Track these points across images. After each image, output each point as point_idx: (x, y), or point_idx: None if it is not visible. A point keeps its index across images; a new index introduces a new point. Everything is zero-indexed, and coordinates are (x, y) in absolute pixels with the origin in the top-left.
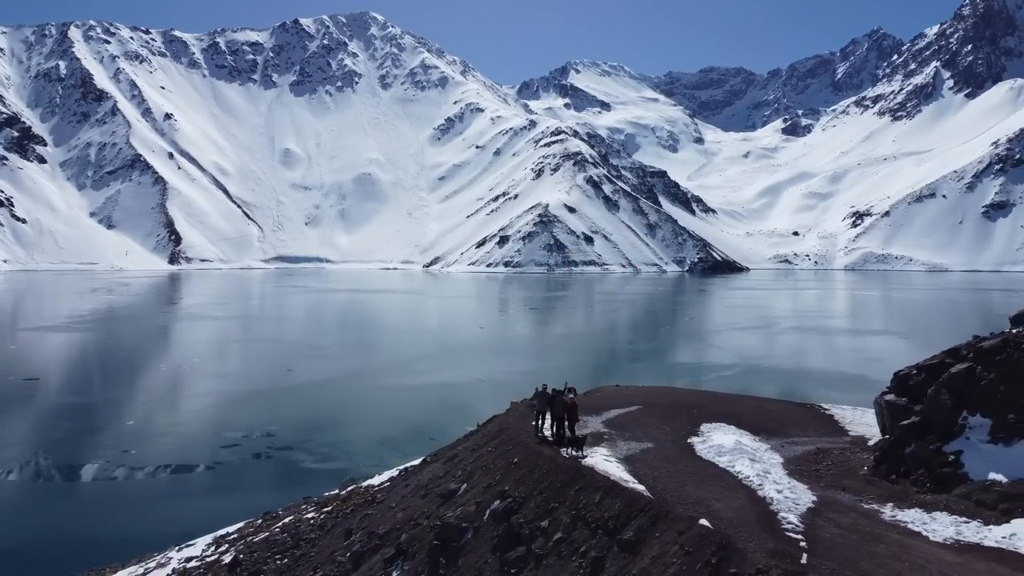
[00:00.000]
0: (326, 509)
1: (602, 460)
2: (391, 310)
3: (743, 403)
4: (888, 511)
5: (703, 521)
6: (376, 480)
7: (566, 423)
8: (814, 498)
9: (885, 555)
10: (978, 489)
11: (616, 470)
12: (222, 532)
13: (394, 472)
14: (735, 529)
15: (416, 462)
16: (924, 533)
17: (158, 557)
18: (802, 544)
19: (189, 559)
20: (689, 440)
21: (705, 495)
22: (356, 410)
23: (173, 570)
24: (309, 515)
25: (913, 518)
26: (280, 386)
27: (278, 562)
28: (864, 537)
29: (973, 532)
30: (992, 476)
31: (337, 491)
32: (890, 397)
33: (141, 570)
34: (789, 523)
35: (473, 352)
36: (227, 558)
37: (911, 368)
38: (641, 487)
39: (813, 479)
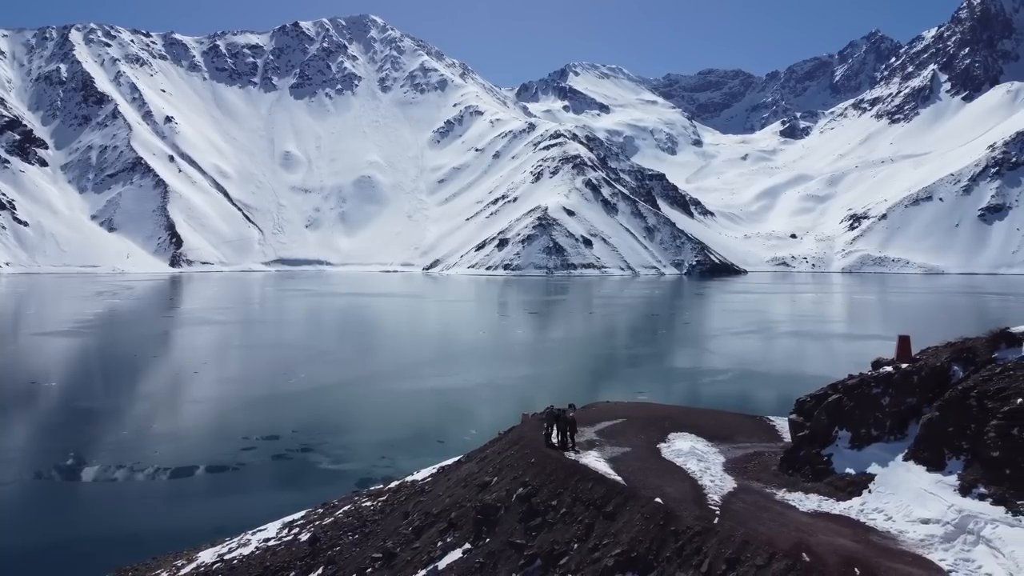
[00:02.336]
0: (381, 498)
1: (593, 460)
2: (394, 314)
3: (706, 416)
4: (780, 494)
5: (657, 499)
6: (419, 476)
7: (568, 434)
8: (735, 485)
9: (766, 518)
10: (837, 479)
11: (603, 467)
12: (288, 519)
13: (433, 469)
14: (677, 504)
15: (449, 462)
16: (797, 507)
17: (237, 539)
18: (717, 512)
19: (266, 540)
20: (658, 445)
21: (662, 483)
22: (366, 414)
23: (256, 548)
24: (366, 503)
25: (794, 498)
26: (290, 391)
27: (351, 537)
28: (758, 508)
29: (828, 506)
30: (847, 470)
31: (381, 486)
32: (793, 416)
33: (225, 550)
34: (713, 500)
35: (475, 357)
36: (304, 536)
37: (807, 396)
38: (619, 478)
39: (740, 473)
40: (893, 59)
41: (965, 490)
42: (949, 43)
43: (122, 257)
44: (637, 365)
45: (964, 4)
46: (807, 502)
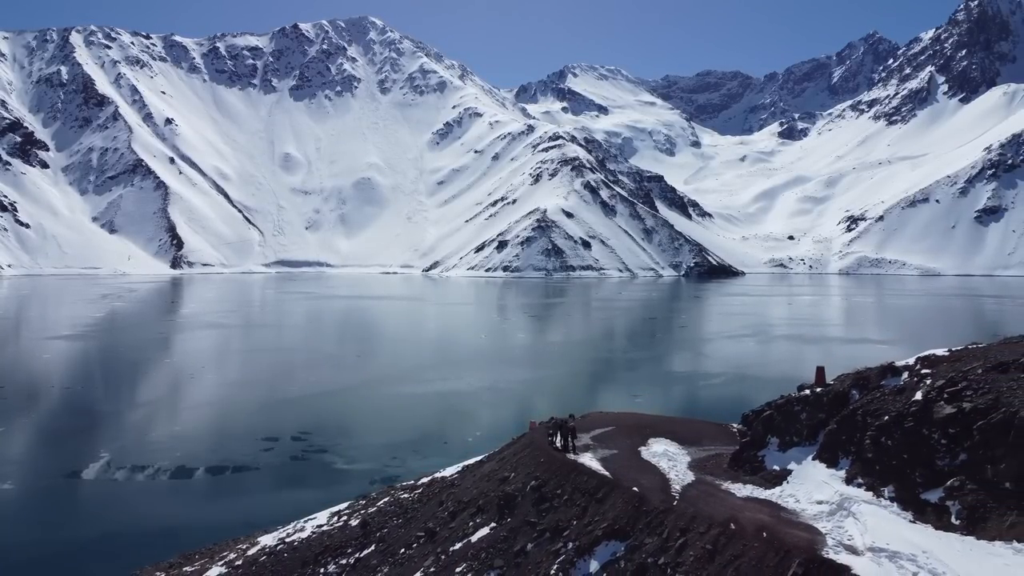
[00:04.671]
0: (416, 491)
1: (588, 460)
2: (397, 318)
3: (681, 424)
4: (726, 484)
5: (634, 488)
6: (447, 472)
7: (569, 439)
8: (693, 478)
9: (712, 501)
10: (767, 473)
11: (596, 465)
12: (335, 509)
13: (459, 467)
14: (649, 492)
15: (472, 461)
16: (736, 493)
17: (292, 525)
18: (677, 497)
19: (319, 526)
20: (639, 448)
21: (639, 477)
22: (374, 417)
23: (312, 532)
24: (403, 495)
25: (735, 487)
26: (300, 394)
27: (395, 521)
28: (707, 495)
29: (757, 493)
30: (774, 467)
31: (413, 481)
32: (739, 427)
33: (284, 534)
34: (675, 489)
35: (478, 361)
36: (354, 522)
37: (750, 411)
38: (608, 473)
39: (699, 470)
40: (891, 61)
41: (848, 481)
42: (946, 45)
43: (123, 259)
44: (634, 369)
45: (961, 6)
46: (743, 490)
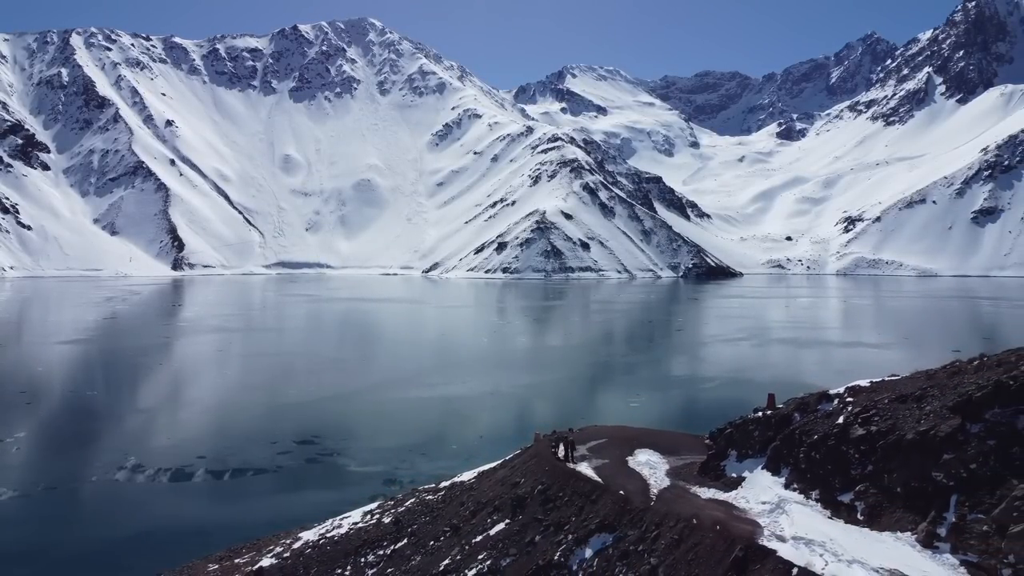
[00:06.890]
0: (439, 493)
1: (584, 468)
2: (399, 321)
3: (663, 436)
4: (694, 488)
5: (621, 491)
6: (465, 477)
7: (569, 450)
8: (669, 483)
9: (681, 502)
10: (727, 479)
11: (591, 472)
12: (366, 508)
13: (474, 473)
14: (632, 494)
15: (486, 468)
16: (700, 495)
17: (329, 522)
18: (654, 499)
19: (355, 523)
20: (627, 458)
21: (625, 482)
22: (382, 421)
23: (348, 528)
24: (428, 497)
25: (701, 491)
26: (309, 398)
27: (424, 519)
28: (678, 497)
29: (718, 495)
30: (732, 474)
31: (434, 485)
32: (707, 440)
33: (323, 530)
34: (654, 492)
35: (479, 365)
36: (387, 519)
37: (716, 429)
38: (600, 479)
39: (675, 476)
40: (889, 61)
41: (787, 486)
42: (944, 46)
43: (124, 261)
44: (632, 372)
45: (959, 7)
46: (707, 493)
